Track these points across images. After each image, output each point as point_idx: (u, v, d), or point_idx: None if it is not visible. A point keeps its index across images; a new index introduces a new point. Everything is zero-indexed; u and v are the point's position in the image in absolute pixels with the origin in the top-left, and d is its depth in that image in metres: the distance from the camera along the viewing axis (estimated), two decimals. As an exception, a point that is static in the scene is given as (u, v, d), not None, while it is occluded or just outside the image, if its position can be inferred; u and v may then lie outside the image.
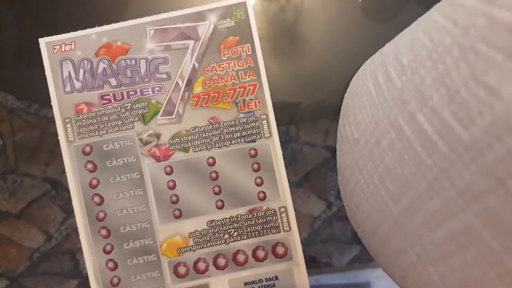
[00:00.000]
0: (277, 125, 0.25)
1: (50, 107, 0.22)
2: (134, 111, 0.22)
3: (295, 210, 0.27)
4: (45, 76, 0.21)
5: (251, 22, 0.22)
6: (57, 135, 0.23)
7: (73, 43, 0.21)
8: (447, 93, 0.11)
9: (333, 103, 0.23)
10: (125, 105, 0.21)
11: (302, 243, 0.28)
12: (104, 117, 0.21)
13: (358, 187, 0.18)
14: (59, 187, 0.23)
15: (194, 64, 0.22)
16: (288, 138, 0.25)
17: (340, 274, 0.25)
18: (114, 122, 0.21)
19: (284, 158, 0.25)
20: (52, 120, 0.22)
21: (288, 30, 0.23)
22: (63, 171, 0.23)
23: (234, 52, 0.22)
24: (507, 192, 0.09)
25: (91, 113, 0.21)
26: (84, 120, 0.21)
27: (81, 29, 0.22)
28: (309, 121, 0.23)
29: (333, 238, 0.24)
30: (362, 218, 0.19)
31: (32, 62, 0.22)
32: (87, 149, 0.21)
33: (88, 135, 0.21)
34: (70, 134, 0.21)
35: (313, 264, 0.27)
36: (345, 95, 0.22)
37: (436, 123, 0.11)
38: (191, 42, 0.22)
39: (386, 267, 0.18)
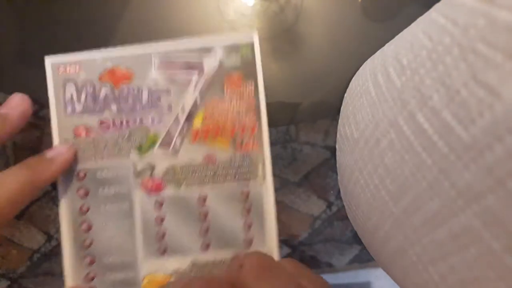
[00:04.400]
0: (277, 125, 0.25)
1: (50, 107, 0.22)
2: (132, 140, 0.21)
3: (295, 210, 0.27)
4: (45, 80, 0.21)
5: (257, 62, 0.21)
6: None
7: (77, 65, 0.21)
8: (447, 93, 0.11)
9: (333, 103, 0.23)
10: (124, 133, 0.21)
11: (302, 243, 0.28)
12: (101, 143, 0.21)
13: (358, 187, 0.18)
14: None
15: (196, 98, 0.21)
16: (288, 138, 0.25)
17: (341, 274, 0.25)
18: (110, 149, 0.21)
19: (284, 158, 0.25)
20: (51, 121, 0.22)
21: (288, 30, 0.23)
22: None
23: (238, 91, 0.21)
24: (507, 192, 0.09)
25: (89, 138, 0.21)
26: (82, 145, 0.21)
27: (86, 47, 0.22)
28: (309, 121, 0.23)
29: (333, 238, 0.24)
30: (362, 218, 0.19)
31: (32, 62, 0.22)
32: (81, 174, 0.21)
33: (83, 160, 0.21)
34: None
35: (313, 264, 0.28)
36: (345, 95, 0.22)
37: (436, 123, 0.11)
38: (195, 76, 0.21)
39: (386, 267, 0.18)
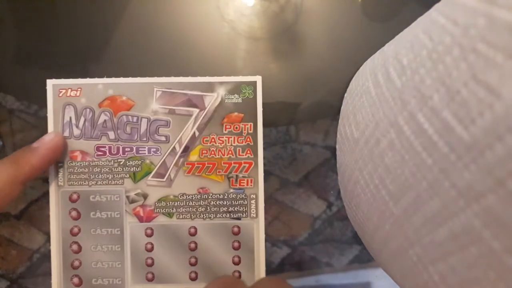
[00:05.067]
0: (277, 125, 0.25)
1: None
2: (127, 168, 0.22)
3: (295, 210, 0.27)
4: (45, 81, 0.21)
5: (258, 102, 0.22)
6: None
7: (79, 89, 0.21)
8: (447, 93, 0.11)
9: (333, 103, 0.23)
10: (119, 160, 0.21)
11: (302, 243, 0.27)
12: (96, 168, 0.21)
13: (358, 187, 0.18)
14: (59, 187, 0.23)
15: (194, 132, 0.22)
16: (288, 138, 0.25)
17: (341, 274, 0.25)
18: (105, 175, 0.21)
19: (284, 158, 0.25)
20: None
21: (288, 30, 0.23)
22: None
23: (236, 128, 0.22)
24: (507, 192, 0.09)
25: (84, 162, 0.21)
26: (77, 168, 0.21)
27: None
28: (309, 121, 0.23)
29: (333, 238, 0.24)
30: (362, 218, 0.19)
31: (31, 63, 0.22)
32: (74, 196, 0.21)
33: (78, 183, 0.21)
34: (61, 179, 0.21)
35: (313, 264, 0.27)
36: (345, 95, 0.22)
37: (436, 123, 0.11)
38: (195, 110, 0.22)
39: (386, 267, 0.18)
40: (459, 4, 0.11)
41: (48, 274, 0.23)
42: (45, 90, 0.21)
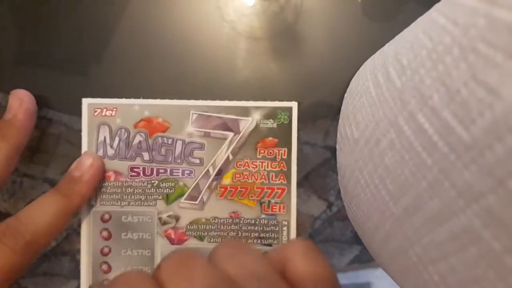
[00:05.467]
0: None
1: (49, 107, 0.22)
2: (160, 189, 0.21)
3: (295, 210, 0.27)
4: (45, 81, 0.21)
5: (293, 128, 0.22)
6: (56, 136, 0.23)
7: (115, 109, 0.21)
8: (447, 93, 0.11)
9: (333, 103, 0.23)
10: (153, 181, 0.21)
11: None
12: (129, 189, 0.21)
13: (358, 187, 0.18)
14: (59, 187, 0.23)
15: (228, 156, 0.22)
16: (288, 138, 0.25)
17: (341, 274, 0.25)
18: (138, 195, 0.21)
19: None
20: (51, 121, 0.22)
21: (288, 30, 0.23)
22: (62, 172, 0.23)
23: (270, 153, 0.22)
24: (507, 192, 0.09)
25: (117, 182, 0.21)
26: (109, 188, 0.21)
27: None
28: (309, 121, 0.23)
29: (333, 238, 0.24)
30: (362, 218, 0.19)
31: (32, 62, 0.22)
32: (106, 216, 0.21)
33: (110, 203, 0.21)
34: (93, 198, 0.21)
35: (313, 264, 0.27)
36: (345, 95, 0.22)
37: (436, 123, 0.11)
38: (230, 134, 0.22)
39: (386, 267, 0.18)
40: (459, 4, 0.11)
41: (48, 274, 0.23)
42: (46, 91, 0.21)
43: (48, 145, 0.23)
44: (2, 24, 0.22)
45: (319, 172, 0.23)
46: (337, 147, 0.22)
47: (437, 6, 0.13)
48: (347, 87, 0.23)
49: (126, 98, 0.21)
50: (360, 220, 0.19)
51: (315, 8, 0.23)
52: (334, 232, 0.24)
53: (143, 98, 0.21)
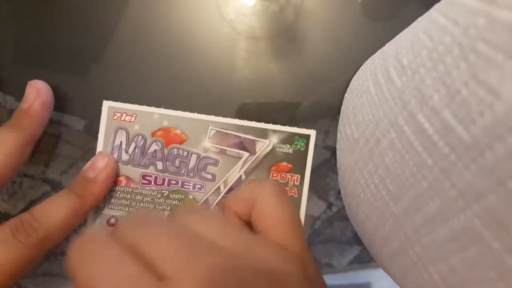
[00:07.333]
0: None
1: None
2: (169, 200, 0.22)
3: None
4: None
5: (309, 156, 0.22)
6: (56, 136, 0.23)
7: (134, 115, 0.21)
8: (447, 93, 0.11)
9: (333, 103, 0.23)
10: (163, 191, 0.21)
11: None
12: (139, 196, 0.21)
13: (358, 187, 0.18)
14: (59, 188, 0.23)
15: (241, 175, 0.22)
16: (288, 138, 0.25)
17: (341, 275, 0.25)
18: (146, 204, 0.21)
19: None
20: (51, 121, 0.22)
21: (288, 30, 0.23)
22: (62, 172, 0.23)
23: (283, 177, 0.22)
24: (507, 192, 0.09)
25: (128, 188, 0.21)
26: (119, 193, 0.21)
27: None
28: (309, 121, 0.23)
29: (333, 239, 0.24)
30: (363, 218, 0.19)
31: (31, 63, 0.22)
32: (112, 220, 0.21)
33: (118, 208, 0.21)
34: (101, 201, 0.21)
35: (313, 264, 0.27)
36: (345, 95, 0.22)
37: (436, 123, 0.11)
38: (245, 154, 0.22)
39: (387, 267, 0.18)
40: (459, 4, 0.11)
41: (48, 274, 0.23)
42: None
43: (48, 145, 0.23)
44: (2, 24, 0.22)
45: (319, 172, 0.23)
46: (337, 147, 0.22)
47: (437, 6, 0.13)
48: (347, 87, 0.23)
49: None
50: (360, 220, 0.19)
51: (315, 8, 0.23)
52: (334, 233, 0.24)
53: (164, 108, 0.22)
